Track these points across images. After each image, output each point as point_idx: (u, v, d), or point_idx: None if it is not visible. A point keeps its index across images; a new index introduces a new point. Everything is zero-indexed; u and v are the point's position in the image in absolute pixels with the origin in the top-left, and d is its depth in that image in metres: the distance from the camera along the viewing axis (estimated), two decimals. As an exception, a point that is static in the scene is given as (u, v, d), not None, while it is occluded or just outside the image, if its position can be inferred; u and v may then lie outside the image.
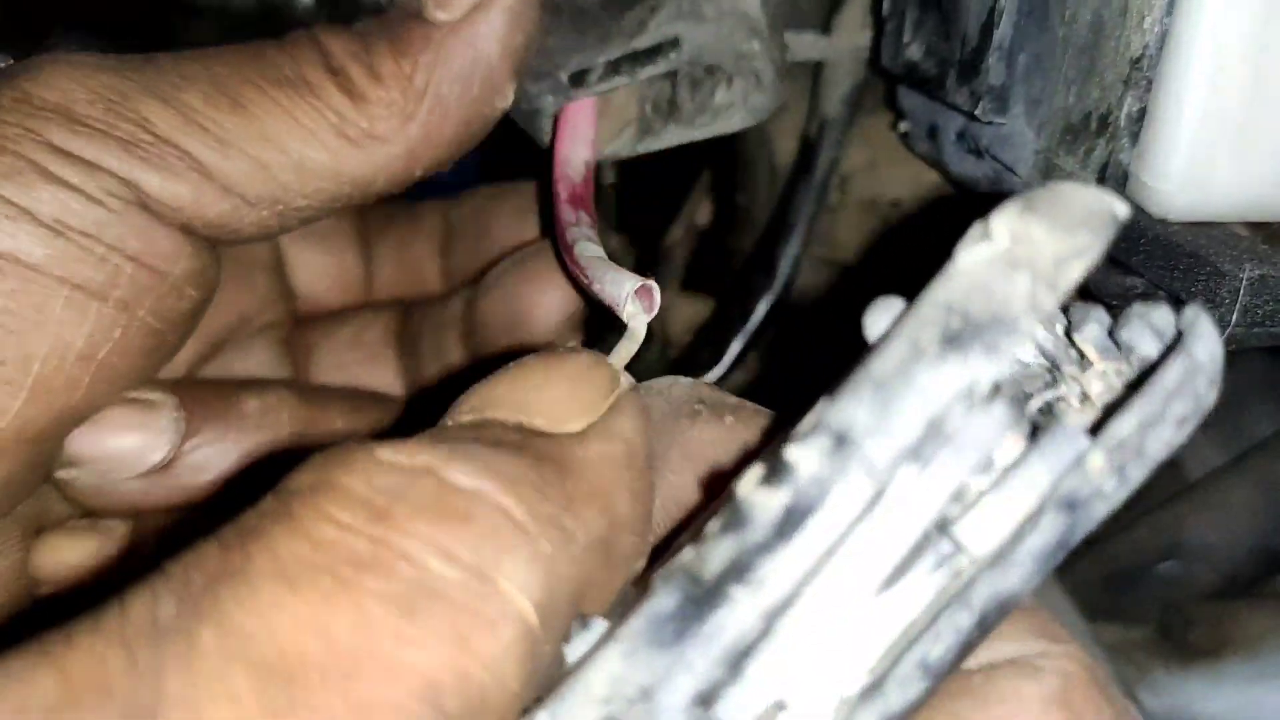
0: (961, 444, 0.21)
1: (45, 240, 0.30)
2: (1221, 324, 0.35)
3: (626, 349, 0.32)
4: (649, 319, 0.34)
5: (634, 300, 0.34)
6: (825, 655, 0.22)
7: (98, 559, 0.38)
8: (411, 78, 0.35)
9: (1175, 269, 0.36)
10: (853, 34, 0.55)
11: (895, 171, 0.57)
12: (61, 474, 0.36)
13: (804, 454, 0.20)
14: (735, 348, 0.61)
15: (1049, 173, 0.41)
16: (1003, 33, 0.40)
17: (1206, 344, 0.22)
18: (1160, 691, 0.59)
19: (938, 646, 0.22)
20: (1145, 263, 0.38)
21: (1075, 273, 0.21)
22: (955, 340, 0.20)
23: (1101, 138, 0.37)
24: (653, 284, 0.34)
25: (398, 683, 0.19)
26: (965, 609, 0.22)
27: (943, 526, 0.22)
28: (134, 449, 0.37)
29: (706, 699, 0.21)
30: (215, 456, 0.39)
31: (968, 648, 0.22)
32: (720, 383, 0.60)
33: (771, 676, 0.21)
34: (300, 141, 0.34)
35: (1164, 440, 0.22)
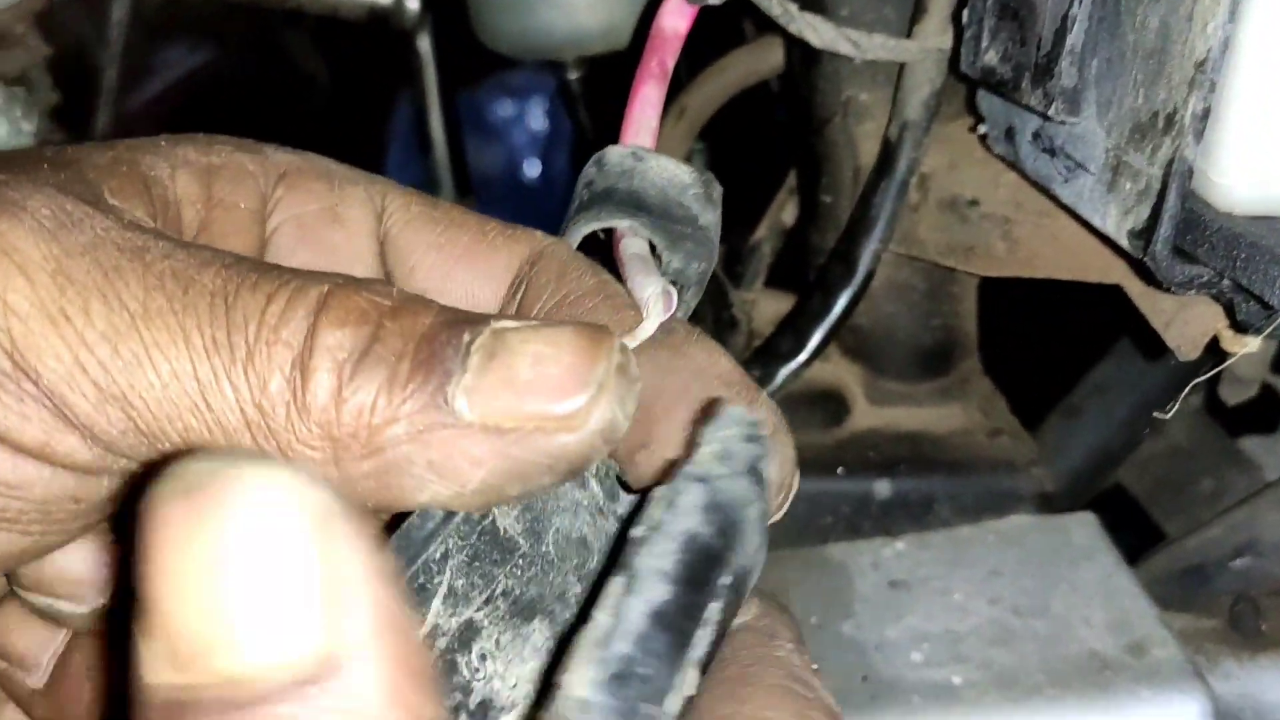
0: None
1: None
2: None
3: (640, 334, 0.35)
4: (665, 319, 0.36)
5: (655, 300, 0.37)
6: None
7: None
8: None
9: (1237, 259, 0.39)
10: (933, 39, 0.58)
11: (974, 171, 0.60)
12: (18, 590, 0.34)
13: None
14: (817, 337, 0.64)
15: (1118, 169, 0.43)
16: (1075, 38, 0.43)
17: None
18: (1230, 679, 0.60)
19: None
20: (1209, 253, 0.40)
21: None
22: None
23: (1168, 135, 0.40)
24: (673, 291, 0.37)
25: None
26: None
27: None
28: (71, 588, 0.34)
29: None
30: None
31: None
32: (800, 371, 0.63)
33: None
34: (217, 434, 0.28)
35: None
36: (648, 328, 0.35)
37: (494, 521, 0.31)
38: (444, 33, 1.05)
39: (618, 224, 0.41)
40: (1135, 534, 0.88)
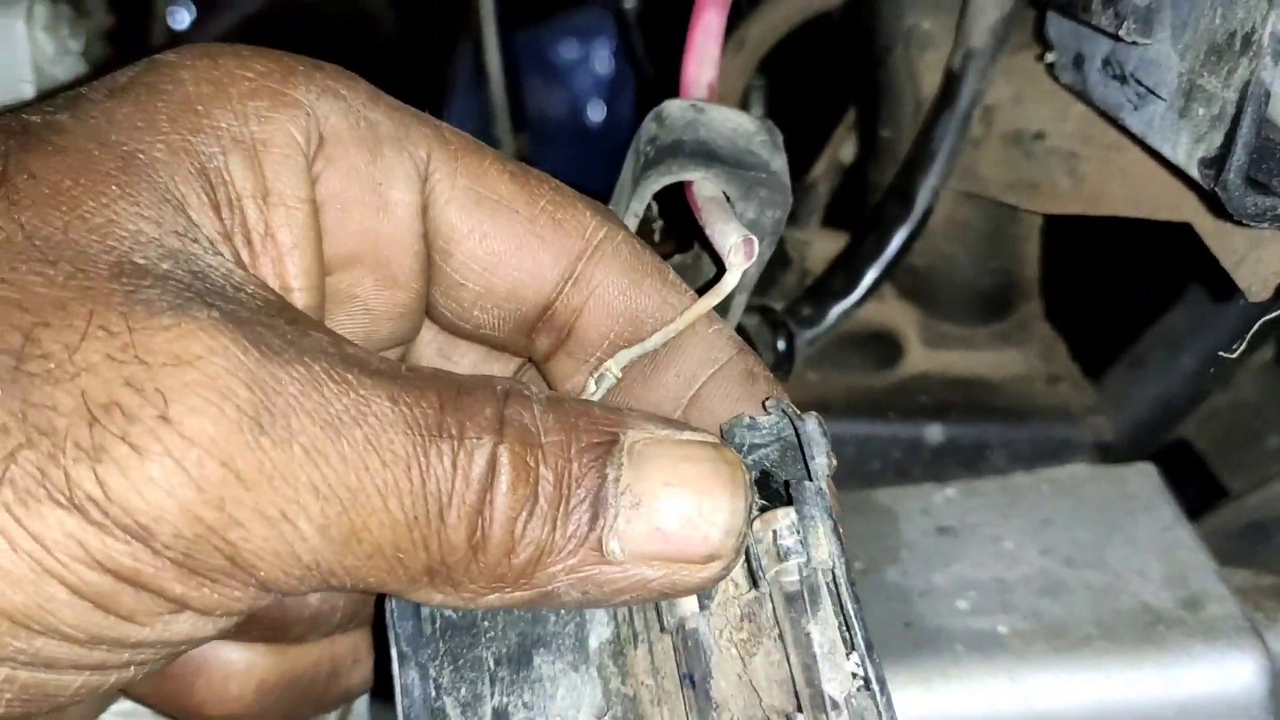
0: None
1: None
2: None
3: (723, 288, 0.36)
4: (747, 266, 0.37)
5: (736, 250, 0.37)
6: None
7: None
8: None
9: (1315, 189, 0.36)
10: (1003, -37, 0.55)
11: (1040, 104, 0.57)
12: None
13: None
14: (871, 276, 0.62)
15: (1191, 94, 0.41)
16: (1150, -48, 0.40)
17: None
18: (1289, 637, 0.58)
19: None
20: (1284, 183, 0.38)
21: None
22: None
23: (1244, 56, 0.37)
24: (753, 238, 0.37)
25: None
26: None
27: None
28: None
29: None
30: None
31: None
32: (853, 310, 0.62)
33: None
34: (397, 584, 0.31)
35: None
36: (730, 280, 0.36)
37: (437, 618, 0.33)
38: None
39: (691, 176, 0.41)
40: (1199, 489, 0.86)
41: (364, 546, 0.28)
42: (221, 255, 0.30)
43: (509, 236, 0.35)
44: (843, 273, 0.62)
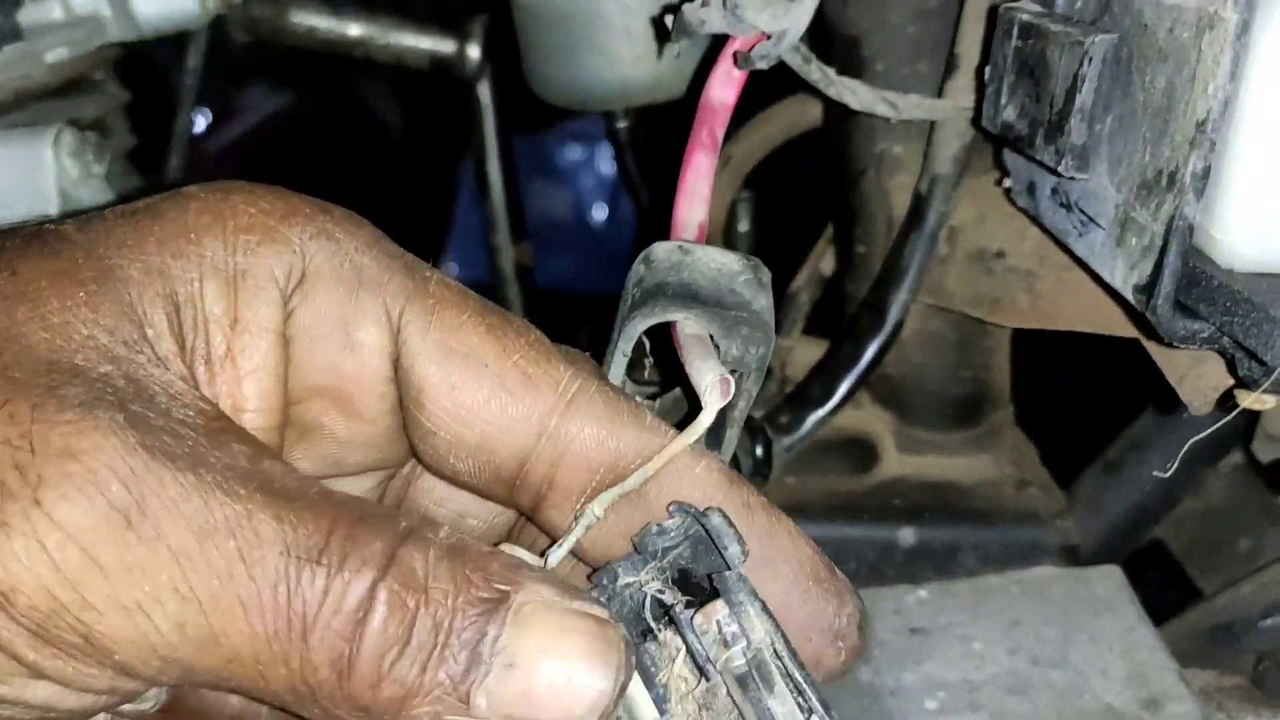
0: None
1: None
2: (1275, 364, 0.38)
3: (698, 427, 0.37)
4: (722, 405, 0.38)
5: (712, 389, 0.38)
6: None
7: None
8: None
9: (1235, 314, 0.40)
10: (963, 97, 0.59)
11: (1001, 225, 0.61)
12: None
13: None
14: (845, 385, 0.65)
15: (1126, 225, 0.44)
16: (1085, 96, 0.44)
17: None
18: (1251, 737, 0.60)
19: None
20: (1210, 309, 0.41)
21: None
22: None
23: (1170, 193, 0.41)
24: (729, 378, 0.39)
25: None
26: None
27: None
28: None
29: None
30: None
31: None
32: (828, 418, 0.65)
33: None
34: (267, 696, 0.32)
35: None
36: (705, 419, 0.37)
37: None
38: (510, 79, 1.08)
39: (674, 317, 0.43)
40: (1176, 591, 0.88)
41: (223, 650, 0.30)
42: (168, 370, 0.32)
43: (478, 389, 0.36)
44: (819, 382, 0.66)
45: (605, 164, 2.35)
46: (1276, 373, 0.38)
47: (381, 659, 0.31)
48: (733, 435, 0.46)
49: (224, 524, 0.29)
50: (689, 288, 0.44)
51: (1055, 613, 0.63)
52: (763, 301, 0.44)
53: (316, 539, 0.30)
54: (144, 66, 0.89)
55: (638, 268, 0.47)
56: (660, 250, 0.46)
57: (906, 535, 0.67)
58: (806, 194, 0.86)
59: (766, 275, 0.47)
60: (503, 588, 0.32)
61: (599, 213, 2.41)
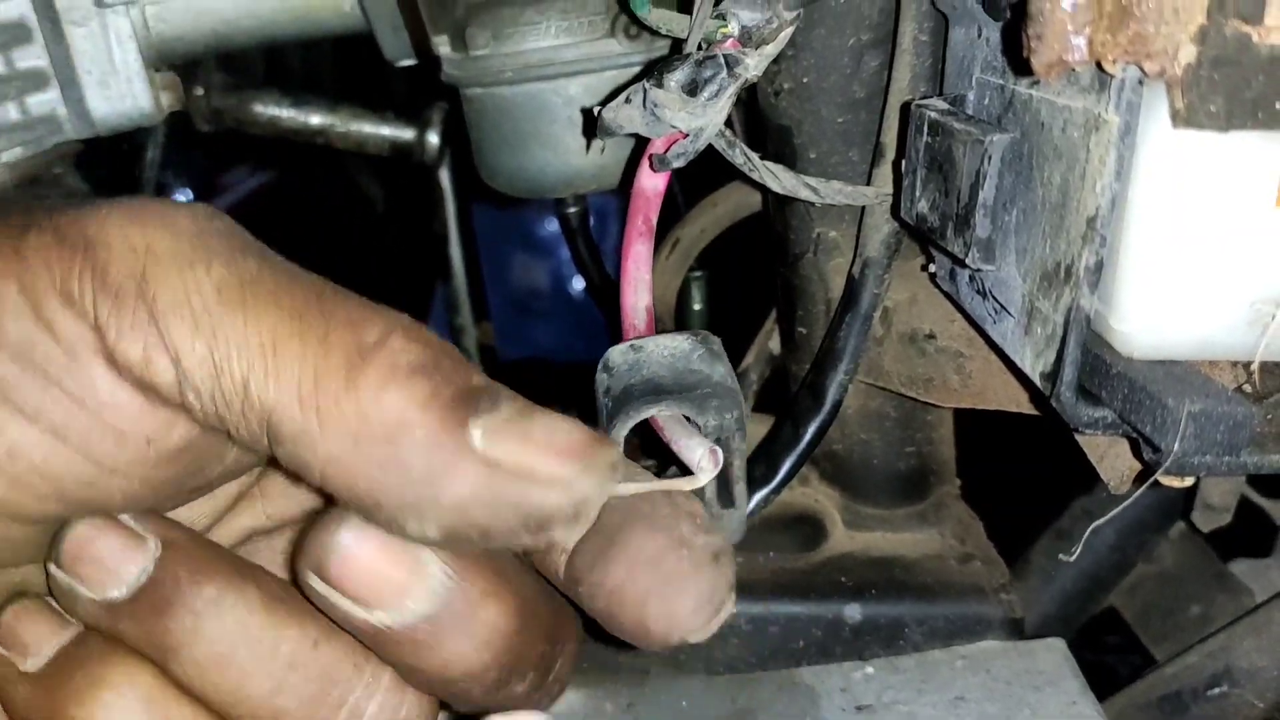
0: None
1: (19, 374, 0.33)
2: (1167, 451, 0.39)
3: (700, 479, 0.41)
4: (715, 473, 0.43)
5: (704, 459, 0.43)
6: None
7: (50, 638, 0.37)
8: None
9: (1133, 401, 0.41)
10: (886, 185, 0.61)
11: (932, 307, 0.63)
12: (49, 566, 0.37)
13: None
14: (787, 465, 0.66)
15: (1032, 314, 0.46)
16: (987, 192, 0.46)
17: None
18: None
19: None
20: (1111, 396, 0.42)
21: None
22: None
23: (1067, 285, 0.42)
24: (716, 448, 0.43)
25: None
26: None
27: None
28: (97, 573, 0.36)
29: None
30: (185, 600, 0.36)
31: None
32: (771, 497, 0.66)
33: None
34: (269, 381, 0.32)
35: None
36: (704, 479, 0.41)
37: None
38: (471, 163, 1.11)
39: (647, 414, 0.46)
40: (1139, 655, 0.89)
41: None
42: None
43: None
44: (762, 463, 0.67)
45: (584, 236, 2.37)
46: (1169, 460, 0.39)
47: (392, 368, 0.32)
48: (742, 489, 0.50)
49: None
50: (651, 382, 0.48)
51: (999, 688, 0.63)
52: (720, 369, 0.49)
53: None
54: (105, 157, 0.90)
55: (601, 377, 0.51)
56: (615, 355, 0.51)
57: (853, 611, 0.68)
58: (759, 271, 0.88)
59: (717, 343, 0.51)
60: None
61: (578, 283, 2.44)
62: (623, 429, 0.46)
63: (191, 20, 0.73)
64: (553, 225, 2.48)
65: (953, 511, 0.74)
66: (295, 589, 0.38)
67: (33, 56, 0.69)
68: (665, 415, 0.46)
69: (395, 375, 0.32)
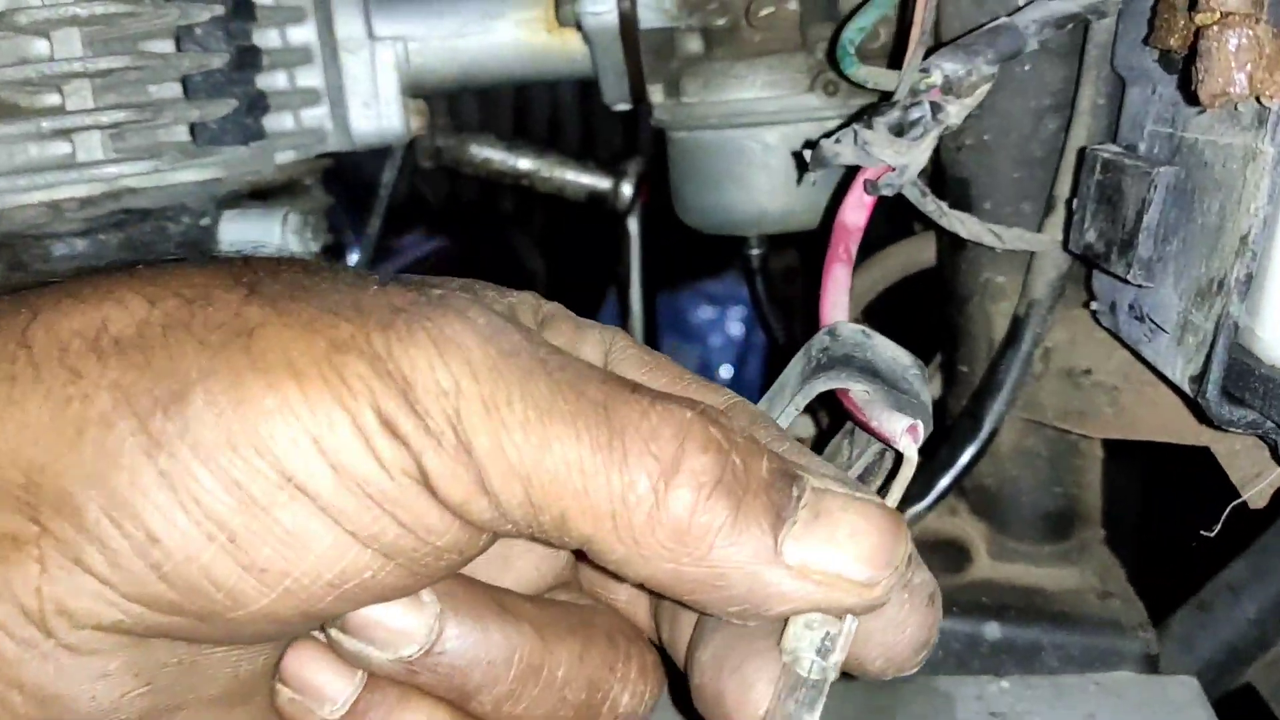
0: None
1: (337, 487, 0.33)
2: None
3: (905, 474, 0.43)
4: (918, 447, 0.43)
5: (906, 435, 0.43)
6: None
7: (341, 684, 0.39)
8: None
9: (1273, 398, 0.46)
10: (1058, 233, 0.67)
11: (1090, 347, 0.68)
12: (332, 632, 0.38)
13: None
14: (941, 486, 0.71)
15: (1185, 327, 0.51)
16: (1151, 217, 0.52)
17: None
18: None
19: None
20: (1254, 398, 0.47)
21: None
22: None
23: (1219, 296, 0.48)
24: (919, 422, 0.44)
25: None
26: None
27: None
28: (388, 636, 0.38)
29: None
30: (474, 648, 0.39)
31: None
32: (924, 514, 0.71)
33: None
34: (586, 516, 0.34)
35: None
36: (909, 463, 0.43)
37: None
38: (657, 222, 1.20)
39: (855, 385, 0.48)
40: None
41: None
42: None
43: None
44: (918, 482, 0.72)
45: (734, 325, 2.46)
46: (1302, 444, 0.44)
47: (699, 487, 0.33)
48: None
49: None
50: (871, 365, 0.50)
51: (1129, 712, 0.67)
52: (925, 394, 0.51)
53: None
54: (343, 177, 1.02)
55: (822, 337, 0.53)
56: (845, 329, 0.53)
57: (992, 630, 0.72)
58: (920, 327, 0.94)
59: (927, 374, 0.53)
60: (796, 462, 0.36)
61: (725, 372, 2.50)
62: (827, 385, 0.48)
63: (445, 57, 0.84)
64: (705, 313, 2.56)
65: (1096, 554, 0.78)
66: (548, 604, 0.43)
67: (312, 77, 0.81)
68: (866, 395, 0.47)
69: (700, 498, 0.33)
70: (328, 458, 0.32)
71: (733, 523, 0.34)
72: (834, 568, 0.34)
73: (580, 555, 0.37)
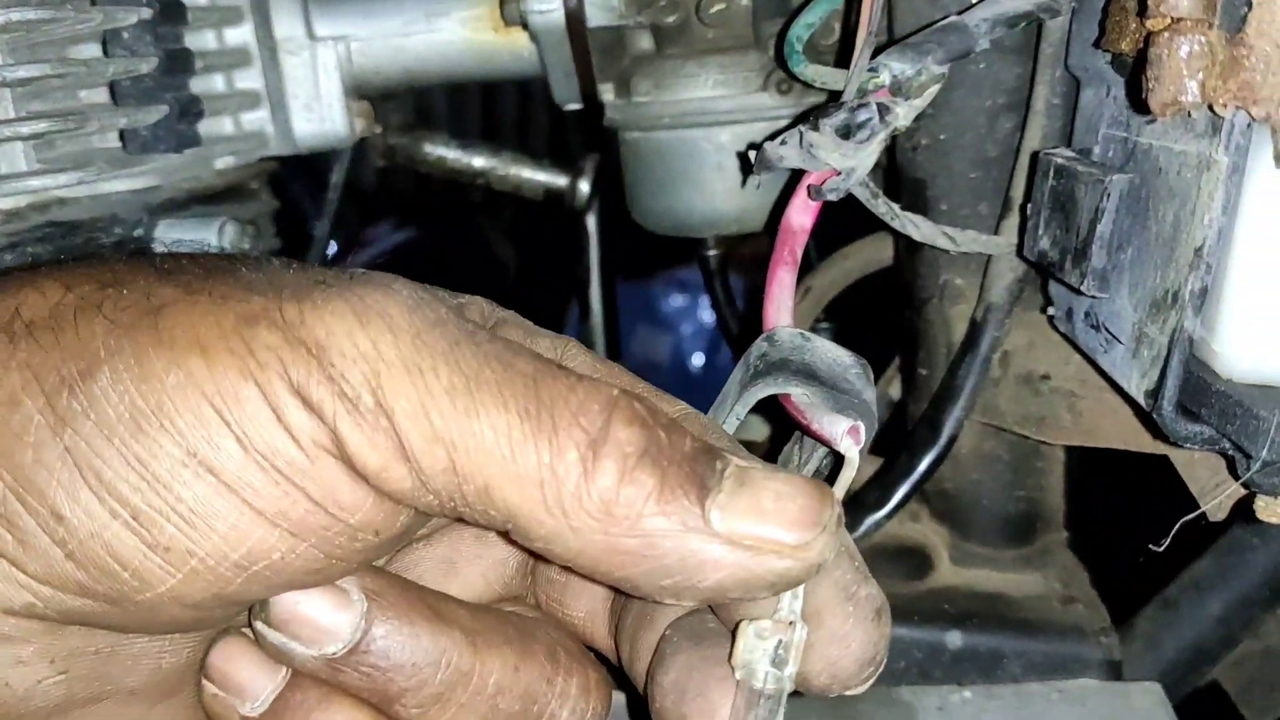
0: None
1: (243, 462, 0.32)
2: (1256, 456, 0.43)
3: (846, 475, 0.41)
4: (860, 449, 0.42)
5: (847, 436, 0.43)
6: None
7: (263, 680, 0.39)
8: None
9: (1227, 414, 0.45)
10: (1014, 235, 0.65)
11: (1048, 351, 0.66)
12: (257, 625, 0.37)
13: None
14: (900, 492, 0.70)
15: (1140, 340, 0.50)
16: (1104, 227, 0.50)
17: None
18: None
19: None
20: (1210, 413, 0.46)
21: None
22: None
23: (1173, 309, 0.47)
24: (860, 424, 0.43)
25: None
26: None
27: None
28: (312, 632, 0.37)
29: None
30: (400, 650, 0.37)
31: None
32: (883, 522, 0.70)
33: None
34: (512, 486, 0.33)
35: None
36: (850, 465, 0.42)
37: None
38: (614, 216, 1.18)
39: (794, 390, 0.47)
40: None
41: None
42: None
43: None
44: (876, 488, 0.71)
45: (706, 313, 2.44)
46: (1258, 465, 0.42)
47: (625, 458, 0.33)
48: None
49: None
50: (809, 368, 0.49)
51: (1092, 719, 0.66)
52: (869, 394, 0.50)
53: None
54: (289, 181, 1.00)
55: (760, 344, 0.52)
56: (784, 333, 0.52)
57: (954, 638, 0.71)
58: (880, 325, 0.92)
59: (871, 374, 0.52)
60: (718, 445, 0.36)
61: (697, 360, 2.49)
62: (766, 391, 0.47)
63: (388, 56, 0.82)
64: (676, 301, 2.54)
65: (1058, 558, 0.77)
66: (486, 611, 0.41)
67: (251, 79, 0.79)
68: (806, 399, 0.46)
69: (627, 468, 0.33)
70: (233, 431, 0.32)
71: (659, 492, 0.34)
72: (762, 532, 0.34)
73: (523, 549, 0.37)
